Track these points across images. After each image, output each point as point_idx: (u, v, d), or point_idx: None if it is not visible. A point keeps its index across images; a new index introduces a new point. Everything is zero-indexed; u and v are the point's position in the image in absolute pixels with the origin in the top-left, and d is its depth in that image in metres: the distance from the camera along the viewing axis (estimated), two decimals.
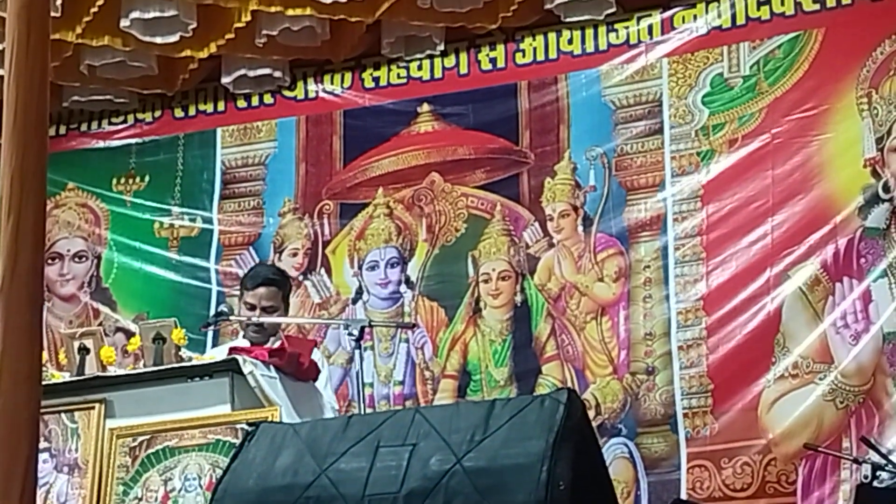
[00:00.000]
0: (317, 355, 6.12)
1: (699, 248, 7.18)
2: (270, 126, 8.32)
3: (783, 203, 7.03)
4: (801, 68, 7.17)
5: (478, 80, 7.88)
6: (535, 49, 7.78)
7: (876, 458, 5.98)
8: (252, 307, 6.22)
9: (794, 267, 6.93)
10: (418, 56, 7.97)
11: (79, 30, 7.50)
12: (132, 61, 7.98)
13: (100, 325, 7.92)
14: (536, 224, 7.59)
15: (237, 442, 4.74)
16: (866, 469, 6.03)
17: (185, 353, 5.97)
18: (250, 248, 8.17)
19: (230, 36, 7.61)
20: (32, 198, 3.06)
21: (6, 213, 3.03)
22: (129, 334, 7.57)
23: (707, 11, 7.41)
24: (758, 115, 7.22)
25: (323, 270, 7.99)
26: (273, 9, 7.40)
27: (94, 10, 7.38)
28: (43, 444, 5.48)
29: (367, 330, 6.16)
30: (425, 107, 7.98)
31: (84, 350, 5.90)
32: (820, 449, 6.51)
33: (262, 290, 6.24)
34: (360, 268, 7.92)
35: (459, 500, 2.95)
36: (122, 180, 8.60)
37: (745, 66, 7.30)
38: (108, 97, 8.47)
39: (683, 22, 7.48)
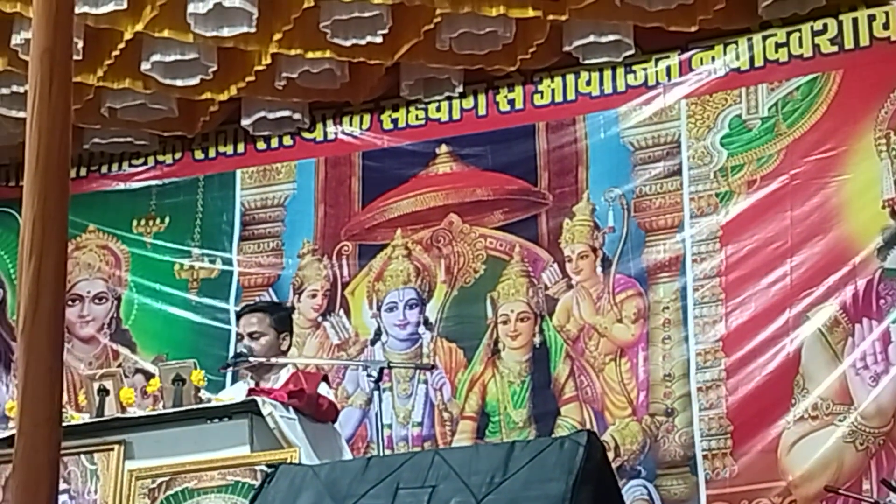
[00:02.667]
0: (323, 388, 6.13)
1: (718, 290, 7.17)
2: (290, 168, 8.35)
3: (802, 244, 7.02)
4: (820, 110, 7.17)
5: (496, 121, 7.90)
6: (553, 90, 7.80)
7: None
8: (241, 337, 6.41)
9: (813, 308, 6.91)
10: (437, 98, 7.99)
11: (100, 72, 7.54)
12: (153, 104, 8.02)
13: (119, 366, 7.93)
14: (555, 265, 7.59)
15: (256, 483, 4.74)
16: None
17: (204, 394, 5.98)
18: (270, 290, 8.17)
19: (250, 78, 7.65)
20: (54, 241, 3.07)
21: (28, 256, 3.04)
22: (148, 376, 7.59)
23: (725, 53, 7.43)
24: (776, 156, 7.22)
25: (342, 311, 7.99)
26: (293, 52, 7.44)
27: (116, 53, 7.42)
28: (62, 486, 5.48)
29: (385, 371, 6.18)
30: (444, 148, 8.00)
31: (104, 391, 5.91)
32: (841, 491, 6.47)
33: (247, 317, 6.39)
34: (378, 309, 7.92)
35: None
36: (143, 222, 8.62)
37: (764, 108, 7.31)
38: (128, 139, 8.51)
39: (702, 63, 7.49)
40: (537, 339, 7.53)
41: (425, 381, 7.69)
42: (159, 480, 5.59)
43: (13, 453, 2.97)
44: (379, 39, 7.29)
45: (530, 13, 7.13)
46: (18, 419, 2.99)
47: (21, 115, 7.30)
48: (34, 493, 2.90)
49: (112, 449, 5.69)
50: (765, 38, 7.34)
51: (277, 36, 7.30)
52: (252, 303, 7.02)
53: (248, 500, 3.39)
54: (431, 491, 3.07)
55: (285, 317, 6.66)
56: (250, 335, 6.30)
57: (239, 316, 6.67)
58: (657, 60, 7.58)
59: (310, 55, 7.47)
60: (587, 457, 3.00)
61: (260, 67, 7.54)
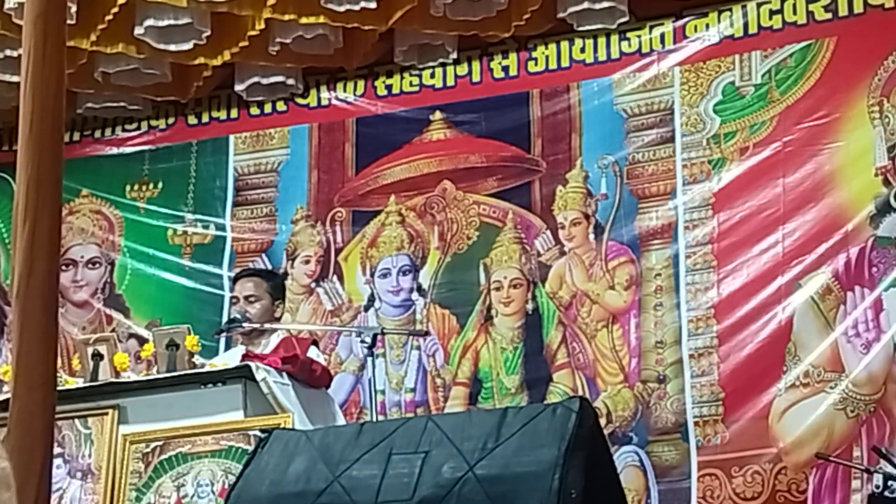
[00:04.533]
0: (313, 352, 6.15)
1: (710, 256, 7.18)
2: (283, 133, 8.34)
3: (794, 211, 7.03)
4: (813, 77, 7.17)
5: (490, 88, 7.89)
6: (547, 57, 7.79)
7: (888, 468, 5.97)
8: (236, 300, 6.45)
9: (805, 276, 6.93)
10: (431, 64, 7.98)
11: (93, 37, 7.52)
12: (146, 69, 8.01)
13: (113, 331, 7.94)
14: (548, 232, 7.60)
15: (250, 448, 4.76)
16: (878, 479, 6.02)
17: (198, 359, 6.00)
18: (263, 255, 8.18)
19: (244, 44, 7.63)
20: (48, 204, 3.08)
21: (22, 220, 3.05)
22: (141, 340, 7.60)
23: (719, 21, 7.42)
24: (769, 123, 7.22)
25: (335, 278, 7.99)
26: (286, 17, 7.42)
27: (109, 17, 7.40)
28: (56, 450, 5.48)
29: (378, 337, 6.20)
30: (438, 114, 8.00)
31: (98, 356, 5.93)
32: (831, 458, 6.50)
33: (242, 281, 6.45)
34: (372, 275, 7.93)
35: None
36: (136, 187, 8.62)
37: (757, 75, 7.31)
38: (121, 104, 8.50)
39: (695, 31, 7.48)
40: (530, 306, 7.55)
41: (418, 348, 7.70)
42: (153, 445, 5.62)
43: (7, 417, 2.98)
44: (373, 5, 7.27)
45: None
46: (13, 383, 3.00)
47: (15, 79, 7.28)
48: (29, 456, 2.92)
49: (106, 413, 5.71)
50: (759, 5, 7.33)
51: (271, 1, 7.28)
52: (248, 268, 7.04)
53: (242, 465, 3.40)
54: (424, 456, 3.08)
55: (280, 285, 6.72)
56: (246, 298, 6.34)
57: (235, 280, 6.71)
58: (651, 28, 7.57)
59: (303, 20, 7.45)
60: (579, 423, 3.01)
61: (253, 32, 7.52)
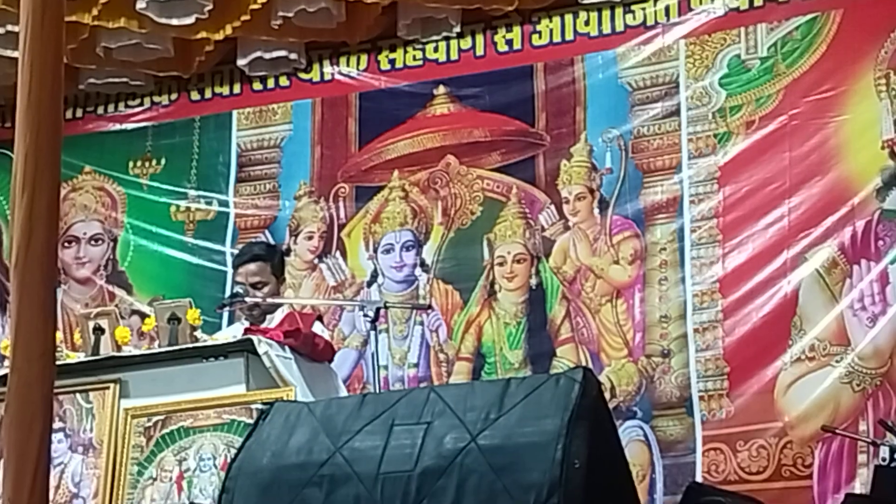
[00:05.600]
0: (318, 328, 6.13)
1: (715, 231, 7.15)
2: (286, 108, 8.32)
3: (800, 185, 7.00)
4: (819, 50, 7.13)
5: (494, 61, 7.86)
6: (551, 31, 7.75)
7: (894, 441, 5.96)
8: (241, 285, 6.36)
9: (811, 249, 6.91)
10: (434, 38, 7.94)
11: (95, 12, 7.50)
12: (148, 44, 7.98)
13: (115, 307, 7.92)
14: (552, 207, 7.57)
15: (252, 422, 4.75)
16: (884, 452, 6.01)
17: (200, 334, 5.98)
18: (266, 232, 8.17)
19: (246, 18, 7.60)
20: (47, 175, 3.06)
21: (20, 191, 3.03)
22: (144, 317, 7.58)
23: None
24: (775, 96, 7.19)
25: (338, 253, 7.98)
26: None
27: None
28: (58, 424, 5.49)
29: (382, 312, 6.17)
30: (441, 89, 7.97)
31: (99, 330, 5.91)
32: (837, 431, 6.48)
33: (247, 266, 6.38)
34: (375, 251, 7.92)
35: (474, 479, 2.95)
36: (139, 163, 8.61)
37: (763, 48, 7.27)
38: (124, 80, 8.47)
39: (701, 3, 7.43)
40: (534, 281, 7.53)
41: (421, 323, 7.69)
42: (155, 419, 5.60)
43: (6, 389, 2.96)
44: None
45: None
46: (11, 354, 2.98)
47: (16, 54, 7.26)
48: (28, 428, 2.90)
49: (108, 387, 5.70)
50: None
51: None
52: (246, 250, 6.82)
53: (244, 437, 3.38)
54: (427, 427, 3.07)
55: (281, 260, 6.66)
56: (253, 286, 6.29)
57: (236, 266, 6.58)
58: (656, 0, 7.53)
59: None
60: (583, 393, 3.00)
61: (255, 6, 7.50)
